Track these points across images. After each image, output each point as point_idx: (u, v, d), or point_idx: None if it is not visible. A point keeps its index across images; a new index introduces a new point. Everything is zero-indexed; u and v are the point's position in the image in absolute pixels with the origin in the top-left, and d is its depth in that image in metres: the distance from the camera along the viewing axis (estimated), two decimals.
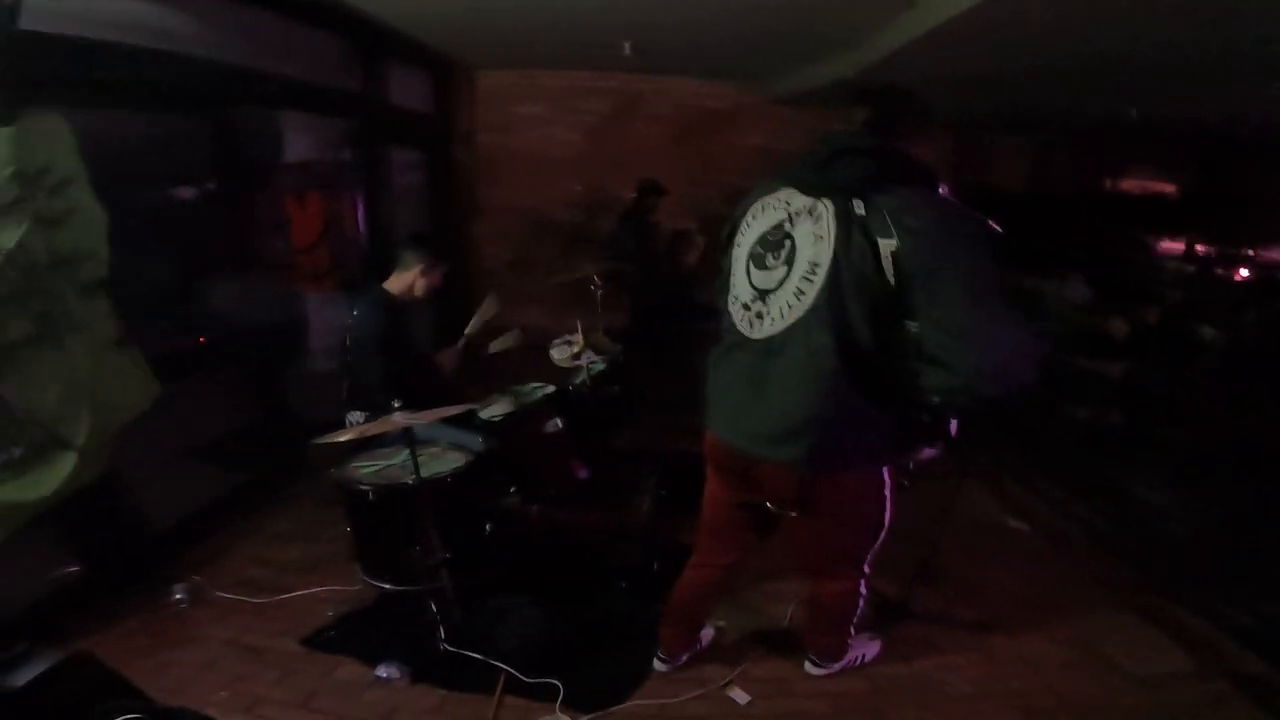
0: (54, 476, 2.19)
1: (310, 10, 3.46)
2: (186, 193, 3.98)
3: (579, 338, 3.20)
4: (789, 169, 1.74)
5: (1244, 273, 6.23)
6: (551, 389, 3.03)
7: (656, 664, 2.21)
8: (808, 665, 2.22)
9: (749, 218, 1.79)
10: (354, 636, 2.38)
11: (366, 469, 2.47)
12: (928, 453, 1.83)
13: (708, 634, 2.30)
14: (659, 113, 5.66)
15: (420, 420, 2.17)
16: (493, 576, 2.45)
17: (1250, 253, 6.45)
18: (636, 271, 4.36)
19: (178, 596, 2.57)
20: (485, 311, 3.12)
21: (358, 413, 2.73)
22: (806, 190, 1.66)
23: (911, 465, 1.83)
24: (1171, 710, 2.13)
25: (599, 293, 3.68)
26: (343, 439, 2.18)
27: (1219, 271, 6.28)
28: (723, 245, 1.88)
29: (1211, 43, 2.95)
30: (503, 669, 2.15)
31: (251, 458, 3.63)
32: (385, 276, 2.83)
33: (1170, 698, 2.17)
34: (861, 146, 1.62)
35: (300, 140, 4.76)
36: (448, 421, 2.39)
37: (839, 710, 2.11)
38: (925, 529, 2.54)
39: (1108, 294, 4.57)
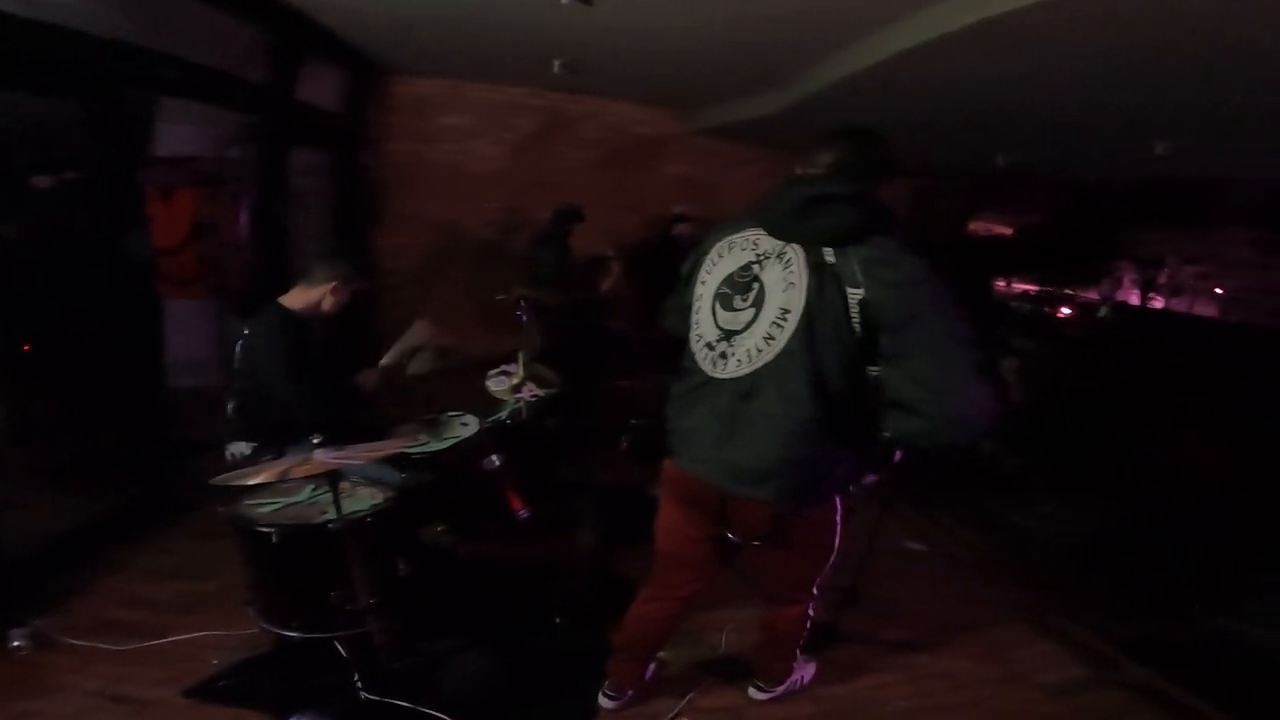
0: None
1: None
2: (43, 183, 3.42)
3: (519, 369, 2.98)
4: (758, 210, 1.71)
5: (1065, 310, 7.12)
6: (471, 419, 2.80)
7: (603, 701, 2.12)
8: (752, 691, 2.23)
9: (714, 255, 1.75)
10: (254, 686, 2.13)
11: (266, 507, 2.15)
12: (870, 479, 1.93)
13: (650, 667, 2.22)
14: (586, 136, 5.59)
15: (351, 462, 1.91)
16: (421, 619, 2.25)
17: (1070, 292, 7.38)
18: (553, 296, 4.24)
19: (16, 644, 2.25)
20: (411, 339, 2.80)
21: (243, 444, 2.41)
22: (777, 234, 1.65)
23: (853, 490, 1.89)
24: (1092, 717, 2.29)
25: (524, 318, 3.51)
26: (254, 481, 1.82)
27: (1046, 310, 7.13)
28: (684, 280, 1.84)
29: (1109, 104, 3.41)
30: (437, 717, 1.96)
31: (107, 483, 3.11)
32: (282, 289, 2.49)
33: (1086, 705, 2.33)
34: (841, 193, 1.58)
35: (176, 132, 4.27)
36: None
37: None
38: (844, 554, 2.62)
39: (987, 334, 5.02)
